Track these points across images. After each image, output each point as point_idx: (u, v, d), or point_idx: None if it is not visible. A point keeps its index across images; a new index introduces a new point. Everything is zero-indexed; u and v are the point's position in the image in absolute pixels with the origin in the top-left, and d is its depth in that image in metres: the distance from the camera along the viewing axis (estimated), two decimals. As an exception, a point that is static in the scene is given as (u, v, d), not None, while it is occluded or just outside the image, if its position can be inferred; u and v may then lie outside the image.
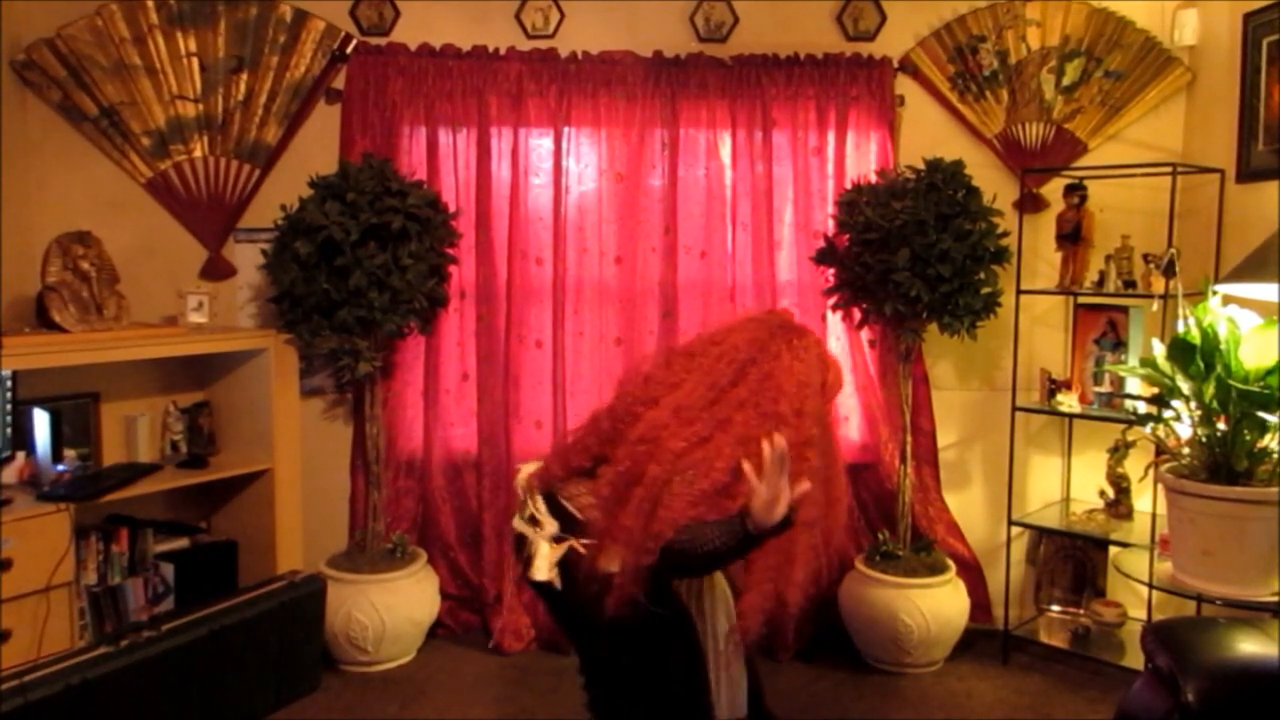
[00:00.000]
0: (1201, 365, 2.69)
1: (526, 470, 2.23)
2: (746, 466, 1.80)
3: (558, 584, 2.05)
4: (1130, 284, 3.60)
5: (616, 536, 1.92)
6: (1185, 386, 2.74)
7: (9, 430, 3.15)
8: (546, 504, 2.12)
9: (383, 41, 3.85)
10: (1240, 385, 2.61)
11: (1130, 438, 3.64)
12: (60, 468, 3.26)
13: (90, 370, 3.37)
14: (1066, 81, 3.86)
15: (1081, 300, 3.79)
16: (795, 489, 1.79)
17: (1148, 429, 3.01)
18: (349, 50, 3.83)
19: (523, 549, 2.16)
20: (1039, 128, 3.90)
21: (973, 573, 3.95)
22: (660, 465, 1.91)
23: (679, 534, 1.86)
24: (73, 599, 3.05)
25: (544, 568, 2.06)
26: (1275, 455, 2.69)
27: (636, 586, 1.89)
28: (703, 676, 2.11)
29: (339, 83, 3.85)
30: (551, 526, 2.10)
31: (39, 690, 2.63)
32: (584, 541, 2.03)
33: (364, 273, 3.43)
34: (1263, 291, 2.80)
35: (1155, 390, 2.92)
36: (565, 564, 2.03)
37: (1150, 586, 3.13)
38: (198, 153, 3.76)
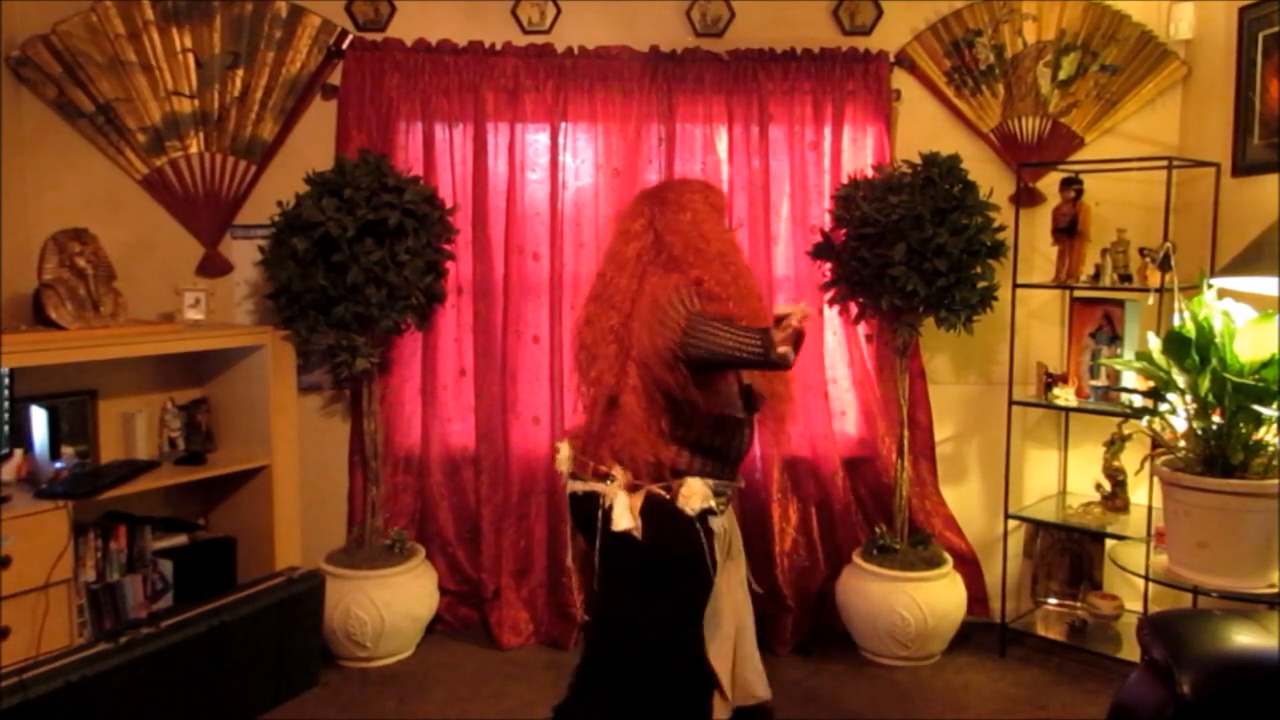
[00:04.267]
0: (1197, 358, 2.71)
1: (568, 449, 2.52)
2: (790, 309, 2.25)
3: (638, 533, 2.31)
4: (1126, 278, 3.60)
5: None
6: (1181, 380, 2.75)
7: (7, 428, 3.15)
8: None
9: (379, 37, 3.85)
10: (1235, 378, 2.63)
11: (1126, 431, 3.65)
12: (58, 465, 3.26)
13: (88, 367, 3.37)
14: (1062, 76, 3.86)
15: (1078, 294, 3.79)
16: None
17: (1144, 422, 3.02)
18: (345, 46, 3.82)
19: (586, 512, 2.41)
20: (1035, 122, 3.90)
21: (970, 566, 3.96)
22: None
23: (695, 341, 2.27)
24: (71, 596, 3.05)
25: (626, 516, 2.31)
26: (1270, 448, 2.70)
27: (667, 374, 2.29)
28: (696, 635, 2.39)
29: (335, 78, 3.85)
30: (624, 476, 2.37)
31: (38, 687, 2.62)
32: (661, 485, 2.33)
33: (361, 269, 3.43)
34: (1258, 285, 2.81)
35: (1151, 384, 2.93)
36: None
37: (1146, 579, 3.15)
38: (194, 149, 3.76)
